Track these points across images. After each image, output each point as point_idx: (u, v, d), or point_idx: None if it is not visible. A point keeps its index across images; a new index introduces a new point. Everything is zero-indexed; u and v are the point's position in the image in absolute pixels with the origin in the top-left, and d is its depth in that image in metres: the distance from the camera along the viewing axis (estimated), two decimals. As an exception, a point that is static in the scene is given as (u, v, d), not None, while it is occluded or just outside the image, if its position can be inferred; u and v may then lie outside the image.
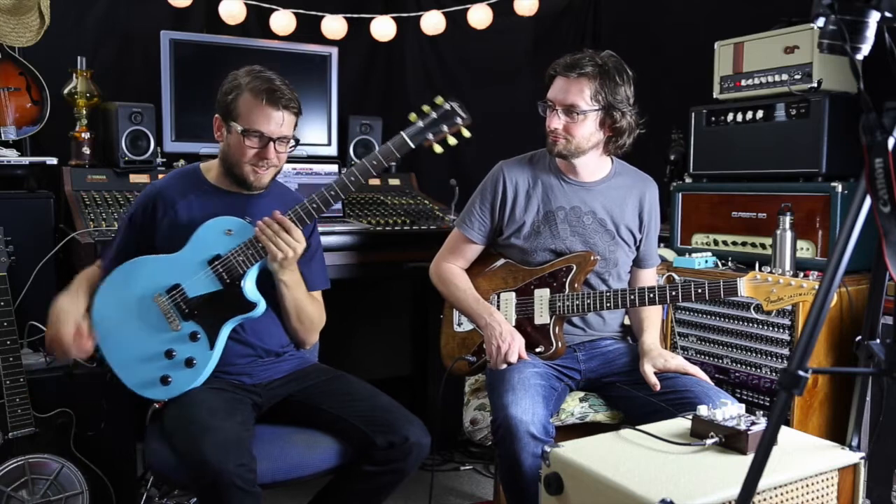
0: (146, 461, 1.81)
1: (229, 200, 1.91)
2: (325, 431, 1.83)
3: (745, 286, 1.86)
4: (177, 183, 1.94)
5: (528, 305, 2.06)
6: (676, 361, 1.95)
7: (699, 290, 1.90)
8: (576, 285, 2.01)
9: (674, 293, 1.93)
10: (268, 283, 1.86)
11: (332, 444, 1.80)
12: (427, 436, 1.80)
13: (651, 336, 2.06)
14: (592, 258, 2.02)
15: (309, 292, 1.96)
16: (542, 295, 2.05)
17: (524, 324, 2.06)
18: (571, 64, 1.95)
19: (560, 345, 2.02)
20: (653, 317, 2.12)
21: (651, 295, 1.96)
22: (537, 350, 2.03)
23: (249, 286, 1.81)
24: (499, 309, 2.08)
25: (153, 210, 1.89)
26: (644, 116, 2.03)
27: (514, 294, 2.09)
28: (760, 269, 1.93)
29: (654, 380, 1.91)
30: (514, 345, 1.95)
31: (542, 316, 2.04)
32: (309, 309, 1.94)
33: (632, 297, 1.98)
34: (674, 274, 2.42)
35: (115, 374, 1.81)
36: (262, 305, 1.81)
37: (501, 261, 2.14)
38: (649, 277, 2.20)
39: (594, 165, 2.08)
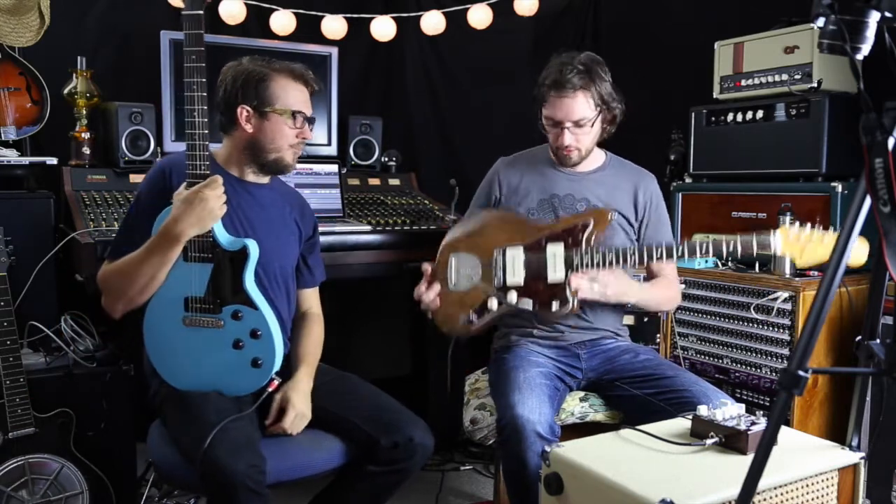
0: (152, 463, 1.79)
1: (241, 189, 1.87)
2: (328, 431, 1.82)
3: (781, 241, 1.73)
4: None
5: (539, 262, 1.92)
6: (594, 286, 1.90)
7: (730, 248, 1.78)
8: (593, 241, 1.89)
9: (704, 249, 1.81)
10: (278, 290, 1.87)
11: (337, 444, 1.80)
12: (431, 437, 1.80)
13: (640, 285, 2.06)
14: (609, 216, 1.92)
15: (308, 305, 2.02)
16: (555, 251, 1.91)
17: (535, 282, 1.93)
18: (562, 82, 1.95)
19: (576, 302, 1.89)
20: (660, 280, 2.10)
21: (680, 251, 1.84)
22: (553, 308, 1.90)
23: (223, 237, 1.73)
24: (504, 266, 1.95)
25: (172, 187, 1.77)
26: (623, 93, 2.05)
27: (521, 249, 1.95)
28: (792, 227, 1.76)
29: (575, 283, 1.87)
30: None
31: (556, 273, 1.90)
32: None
33: (658, 252, 1.85)
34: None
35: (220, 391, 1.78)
36: (251, 243, 1.73)
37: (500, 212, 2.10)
38: (667, 268, 2.14)
39: (591, 157, 2.13)
